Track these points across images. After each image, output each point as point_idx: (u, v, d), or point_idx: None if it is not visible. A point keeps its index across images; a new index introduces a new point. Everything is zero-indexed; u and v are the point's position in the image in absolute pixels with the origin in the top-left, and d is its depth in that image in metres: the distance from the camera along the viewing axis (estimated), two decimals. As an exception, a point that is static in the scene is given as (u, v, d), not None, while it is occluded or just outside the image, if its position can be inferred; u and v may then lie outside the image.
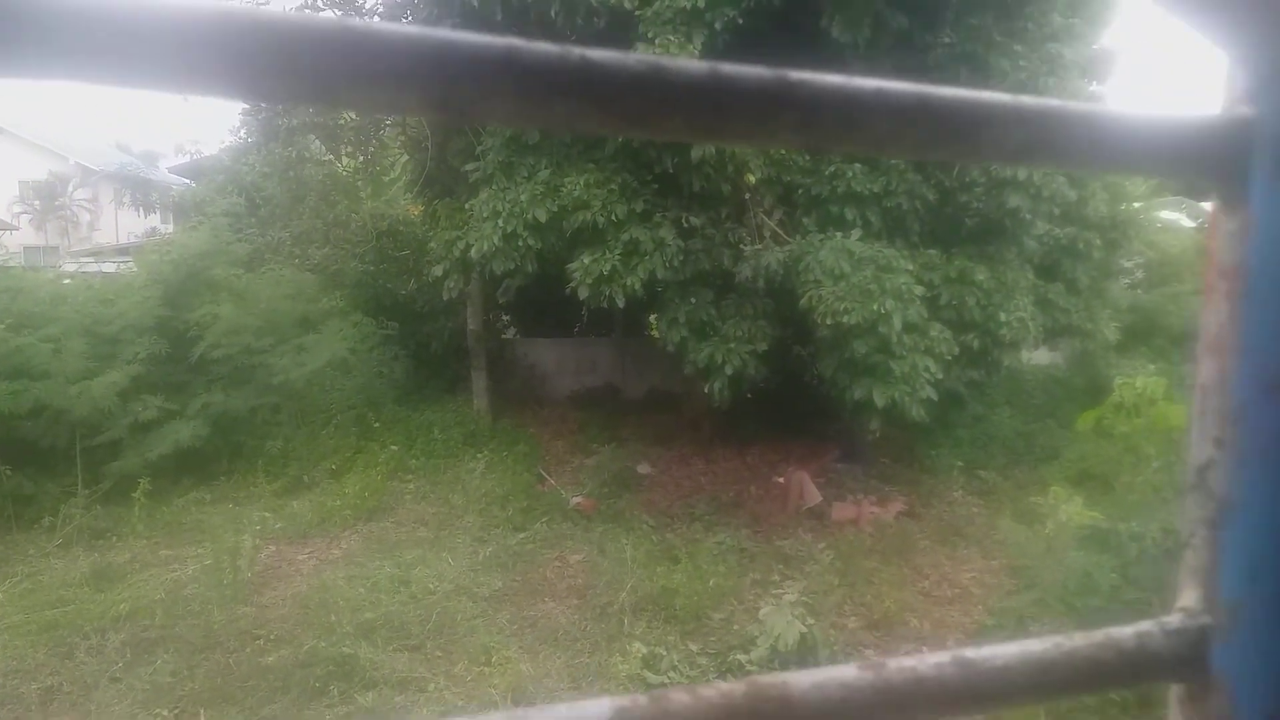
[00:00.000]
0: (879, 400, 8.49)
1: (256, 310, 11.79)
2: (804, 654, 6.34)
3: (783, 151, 9.27)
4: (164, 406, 10.48)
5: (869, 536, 9.20)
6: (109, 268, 16.01)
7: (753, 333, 9.50)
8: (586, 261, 9.24)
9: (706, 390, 9.61)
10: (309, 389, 12.06)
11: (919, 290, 8.80)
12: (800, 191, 9.73)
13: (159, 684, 6.32)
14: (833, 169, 9.45)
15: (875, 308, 8.31)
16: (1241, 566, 0.46)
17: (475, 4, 9.43)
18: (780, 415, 11.81)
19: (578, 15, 9.28)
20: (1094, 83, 11.93)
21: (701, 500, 10.35)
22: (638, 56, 0.38)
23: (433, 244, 11.04)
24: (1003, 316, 9.42)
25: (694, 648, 7.08)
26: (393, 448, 11.37)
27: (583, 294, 9.38)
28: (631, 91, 0.38)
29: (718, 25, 8.88)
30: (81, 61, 0.31)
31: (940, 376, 8.77)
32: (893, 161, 9.31)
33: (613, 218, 9.21)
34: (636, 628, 7.31)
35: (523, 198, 9.32)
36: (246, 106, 14.01)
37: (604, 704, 0.38)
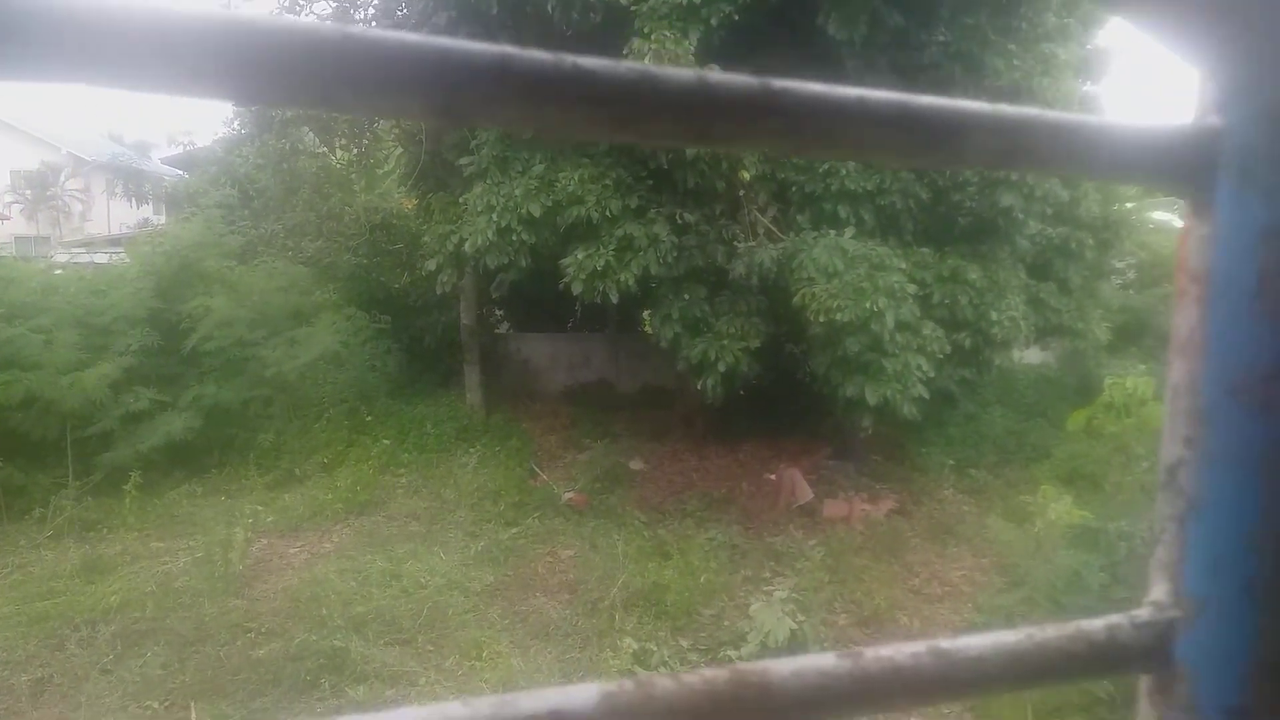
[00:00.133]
0: (871, 398, 8.51)
1: (249, 303, 11.77)
2: (794, 650, 6.37)
3: (775, 151, 9.25)
4: (156, 398, 10.47)
5: (860, 534, 9.23)
6: (101, 258, 15.91)
7: (746, 330, 9.50)
8: (580, 257, 9.24)
9: (699, 387, 9.61)
10: (301, 382, 12.04)
11: (911, 289, 8.83)
12: (794, 189, 9.74)
13: (149, 676, 6.32)
14: (826, 167, 9.45)
15: (868, 306, 8.33)
16: (1206, 562, 0.48)
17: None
18: (772, 412, 11.83)
19: (574, 10, 9.27)
20: (1088, 83, 11.92)
21: (693, 496, 10.36)
22: (628, 65, 0.39)
23: (426, 238, 11.02)
24: (995, 315, 9.46)
25: (685, 643, 7.11)
26: (385, 442, 11.37)
27: (576, 289, 9.37)
28: (622, 97, 0.39)
29: (713, 21, 8.87)
30: (84, 65, 0.32)
31: (932, 375, 8.80)
32: (886, 161, 9.31)
33: (607, 213, 9.21)
34: (627, 623, 7.34)
35: (517, 192, 9.30)
36: (242, 100, 13.96)
37: (591, 689, 0.39)
